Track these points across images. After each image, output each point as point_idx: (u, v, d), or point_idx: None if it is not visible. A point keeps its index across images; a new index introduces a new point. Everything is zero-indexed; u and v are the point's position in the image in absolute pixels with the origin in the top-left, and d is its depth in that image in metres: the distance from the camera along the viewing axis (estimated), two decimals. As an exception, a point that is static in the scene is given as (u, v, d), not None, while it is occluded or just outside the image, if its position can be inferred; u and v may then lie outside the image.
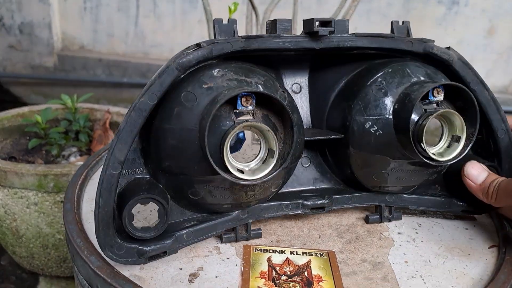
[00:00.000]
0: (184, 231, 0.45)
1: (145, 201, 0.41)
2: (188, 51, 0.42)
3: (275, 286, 0.42)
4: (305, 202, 0.50)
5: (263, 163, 0.42)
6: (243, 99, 0.39)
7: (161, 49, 2.16)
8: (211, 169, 0.38)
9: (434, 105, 0.45)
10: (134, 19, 2.14)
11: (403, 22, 0.49)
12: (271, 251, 0.47)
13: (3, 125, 1.20)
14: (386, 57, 0.50)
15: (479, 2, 1.90)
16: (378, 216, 0.53)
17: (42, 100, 2.18)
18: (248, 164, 0.42)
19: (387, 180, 0.50)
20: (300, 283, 0.43)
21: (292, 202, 0.50)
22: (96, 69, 2.20)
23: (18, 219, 1.01)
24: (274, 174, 0.40)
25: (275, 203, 0.49)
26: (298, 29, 0.48)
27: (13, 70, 2.29)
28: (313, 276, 0.44)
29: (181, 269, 0.44)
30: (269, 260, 0.46)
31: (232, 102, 0.40)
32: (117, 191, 0.42)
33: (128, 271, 0.43)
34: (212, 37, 0.44)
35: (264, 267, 0.45)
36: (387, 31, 0.49)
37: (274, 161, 0.40)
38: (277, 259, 0.46)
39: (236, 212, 0.47)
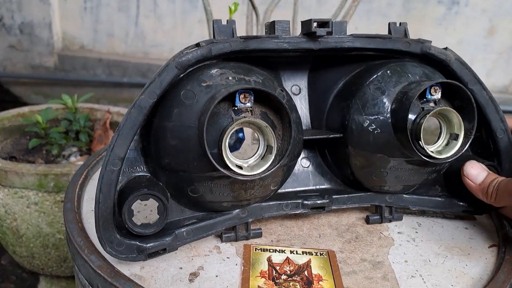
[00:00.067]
0: (183, 229, 0.45)
1: (145, 197, 0.42)
2: (188, 51, 0.42)
3: (275, 286, 0.42)
4: (305, 202, 0.50)
5: (261, 159, 0.42)
6: (242, 96, 0.40)
7: (161, 49, 2.17)
8: (210, 165, 0.39)
9: (432, 103, 0.46)
10: (134, 19, 2.15)
11: (400, 23, 0.50)
12: (271, 250, 0.47)
13: (3, 125, 1.20)
14: (385, 58, 0.50)
15: (479, 2, 1.90)
16: (378, 217, 0.53)
17: (42, 100, 2.18)
18: (246, 160, 0.43)
19: (387, 179, 0.50)
20: (300, 283, 0.43)
21: (292, 201, 0.50)
22: (96, 69, 2.21)
23: (18, 219, 1.01)
24: (272, 170, 0.41)
25: (275, 202, 0.49)
26: (299, 29, 0.48)
27: (13, 70, 2.29)
28: (313, 276, 0.44)
29: (181, 268, 0.44)
30: (269, 259, 0.46)
31: (230, 99, 0.40)
32: (118, 188, 0.43)
33: (129, 270, 0.43)
34: (212, 37, 0.44)
35: (264, 267, 0.45)
36: (387, 31, 0.50)
37: (273, 157, 0.41)
38: (277, 258, 0.46)
39: (236, 211, 0.47)
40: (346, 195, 0.52)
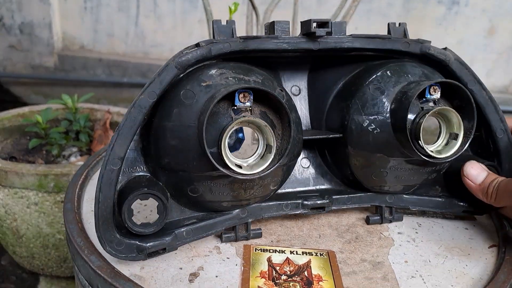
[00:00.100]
0: (183, 229, 0.45)
1: (144, 197, 0.42)
2: (188, 51, 0.43)
3: (275, 286, 0.42)
4: (305, 202, 0.50)
5: (261, 158, 0.42)
6: (241, 96, 0.40)
7: (161, 49, 2.17)
8: (209, 164, 0.39)
9: (431, 103, 0.46)
10: (135, 19, 2.15)
11: (399, 23, 0.50)
12: (271, 250, 0.47)
13: (3, 125, 1.20)
14: (384, 59, 0.51)
15: (479, 2, 1.90)
16: (379, 217, 0.53)
17: (42, 100, 2.18)
18: (246, 160, 0.43)
19: (386, 179, 0.50)
20: (300, 283, 0.43)
21: (291, 202, 0.50)
22: (96, 69, 2.21)
23: (18, 219, 1.01)
24: (271, 169, 0.41)
25: (274, 202, 0.49)
26: (299, 29, 0.48)
27: (13, 70, 2.29)
28: (313, 276, 0.44)
29: (181, 268, 0.44)
30: (269, 259, 0.46)
31: (230, 99, 0.40)
32: (117, 188, 0.43)
33: (129, 271, 0.43)
34: (212, 37, 0.44)
35: (264, 267, 0.45)
36: (387, 31, 0.50)
37: (272, 156, 0.41)
38: (277, 258, 0.46)
39: (235, 211, 0.47)
40: (346, 196, 0.52)
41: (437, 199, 0.54)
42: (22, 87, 2.32)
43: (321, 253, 0.47)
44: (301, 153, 0.54)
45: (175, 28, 2.13)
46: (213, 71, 0.43)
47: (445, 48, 0.49)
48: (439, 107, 0.45)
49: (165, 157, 0.43)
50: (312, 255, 0.47)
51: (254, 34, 0.98)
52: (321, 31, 0.45)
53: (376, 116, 0.47)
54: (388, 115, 0.47)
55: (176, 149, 0.42)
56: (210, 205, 0.46)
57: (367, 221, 0.54)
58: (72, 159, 1.13)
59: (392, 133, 0.47)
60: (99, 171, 0.64)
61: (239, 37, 0.44)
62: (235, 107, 0.40)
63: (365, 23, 1.93)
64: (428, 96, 0.45)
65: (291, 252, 0.47)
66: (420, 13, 1.94)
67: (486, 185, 0.47)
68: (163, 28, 2.13)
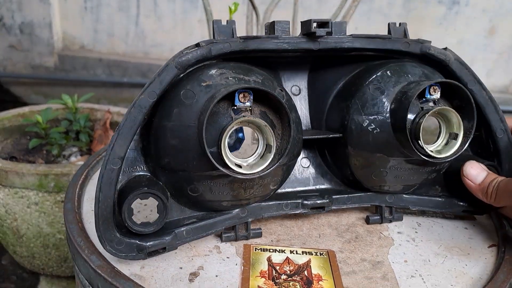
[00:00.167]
0: (183, 228, 0.45)
1: (144, 196, 0.42)
2: (188, 51, 0.43)
3: (275, 285, 0.42)
4: (305, 202, 0.50)
5: (260, 158, 0.42)
6: (241, 96, 0.40)
7: (162, 49, 2.17)
8: (209, 164, 0.39)
9: (431, 103, 0.46)
10: (135, 19, 2.15)
11: (400, 23, 0.50)
12: (271, 250, 0.47)
13: (3, 125, 1.20)
14: (384, 59, 0.51)
15: (479, 2, 1.90)
16: (378, 217, 0.53)
17: (42, 100, 2.18)
18: (246, 159, 0.43)
19: (386, 179, 0.50)
20: (300, 282, 0.43)
21: (291, 201, 0.50)
22: (96, 69, 2.21)
23: (18, 219, 1.01)
24: (271, 169, 0.41)
25: (274, 202, 0.49)
26: (299, 29, 0.48)
27: (13, 70, 2.29)
28: (313, 275, 0.44)
29: (181, 268, 0.44)
30: (269, 259, 0.46)
31: (230, 99, 0.40)
32: (118, 187, 0.43)
33: (129, 270, 0.43)
34: (212, 37, 0.44)
35: (264, 266, 0.45)
36: (387, 31, 0.50)
37: (272, 156, 0.41)
38: (277, 258, 0.46)
39: (235, 210, 0.47)
40: (346, 195, 0.52)
41: (437, 199, 0.54)
42: (22, 87, 2.32)
43: (321, 252, 0.48)
44: (301, 153, 0.54)
45: (175, 28, 2.13)
46: (213, 71, 0.43)
47: (445, 48, 0.50)
48: (439, 107, 0.45)
49: (165, 156, 0.43)
50: (312, 254, 0.47)
51: (254, 34, 0.99)
52: (321, 31, 0.45)
53: (376, 116, 0.47)
54: (388, 115, 0.47)
55: (176, 148, 0.42)
56: (210, 204, 0.46)
57: (367, 220, 0.54)
58: (72, 159, 1.13)
59: (392, 133, 0.47)
60: (99, 170, 0.64)
61: (239, 37, 0.44)
62: (235, 107, 0.40)
63: (365, 23, 1.93)
64: (428, 96, 0.45)
65: (291, 252, 0.47)
66: (421, 13, 1.94)
67: (486, 185, 0.47)
68: (163, 28, 2.13)
